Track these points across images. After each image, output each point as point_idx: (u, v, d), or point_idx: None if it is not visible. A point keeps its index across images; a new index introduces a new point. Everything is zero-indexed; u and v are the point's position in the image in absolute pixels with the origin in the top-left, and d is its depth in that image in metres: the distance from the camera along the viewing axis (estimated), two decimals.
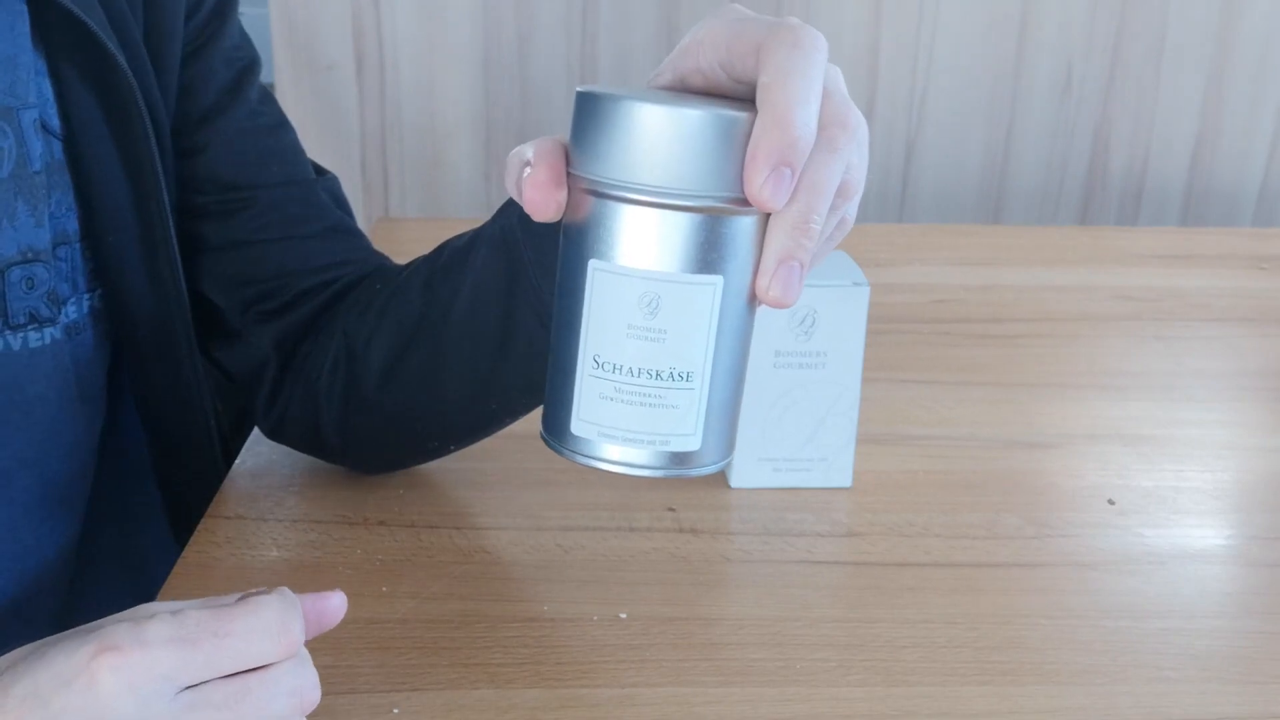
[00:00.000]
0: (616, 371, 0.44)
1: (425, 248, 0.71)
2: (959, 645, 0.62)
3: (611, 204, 0.44)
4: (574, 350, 0.45)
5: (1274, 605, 0.66)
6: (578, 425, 0.46)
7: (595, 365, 0.45)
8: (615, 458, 0.45)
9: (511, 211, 0.64)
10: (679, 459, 0.46)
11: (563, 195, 0.45)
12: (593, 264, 0.44)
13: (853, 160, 0.46)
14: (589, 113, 0.44)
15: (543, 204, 0.45)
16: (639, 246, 0.43)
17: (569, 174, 0.45)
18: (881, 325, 0.88)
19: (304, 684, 0.49)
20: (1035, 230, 1.33)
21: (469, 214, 1.39)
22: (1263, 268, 1.18)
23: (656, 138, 0.42)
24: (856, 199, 0.48)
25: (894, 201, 1.43)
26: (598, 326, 0.45)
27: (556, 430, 0.47)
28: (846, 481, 0.75)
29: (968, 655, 0.61)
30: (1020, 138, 1.40)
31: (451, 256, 0.67)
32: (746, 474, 0.75)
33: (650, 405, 0.45)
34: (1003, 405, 0.88)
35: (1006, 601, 0.66)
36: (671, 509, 0.73)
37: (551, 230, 0.47)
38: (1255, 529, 0.74)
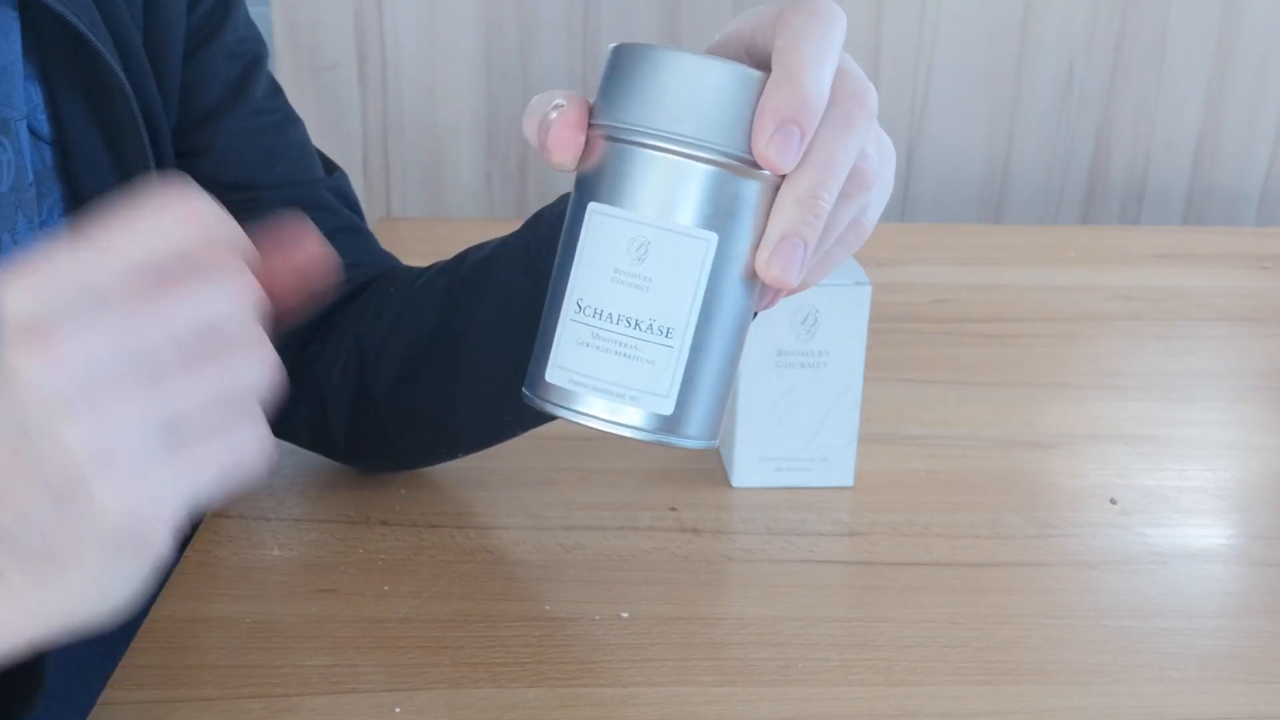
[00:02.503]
0: (596, 316, 0.44)
1: (427, 248, 0.71)
2: (960, 645, 0.62)
3: (620, 147, 0.44)
4: (561, 296, 0.45)
5: (1276, 605, 0.66)
6: (553, 372, 0.45)
7: (577, 309, 0.44)
8: (584, 409, 0.44)
9: (538, 228, 0.63)
10: (650, 421, 0.44)
11: (583, 139, 0.44)
12: (591, 206, 0.44)
13: (868, 149, 0.45)
14: (616, 64, 0.44)
15: (566, 142, 0.44)
16: (638, 191, 0.43)
17: (590, 125, 0.45)
18: (883, 325, 0.88)
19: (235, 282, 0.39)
20: (1036, 230, 1.33)
21: (471, 214, 1.39)
22: (1265, 267, 1.18)
23: (671, 83, 0.43)
24: (874, 196, 0.47)
25: (895, 201, 1.43)
26: (586, 269, 0.44)
27: (533, 380, 0.46)
28: (848, 481, 0.75)
29: (969, 655, 0.61)
30: (1022, 137, 1.40)
31: (473, 268, 0.67)
32: (748, 473, 0.75)
33: (625, 355, 0.44)
34: (1004, 405, 0.88)
35: (1008, 601, 0.66)
36: (673, 508, 0.73)
37: None
38: (1257, 528, 0.74)
